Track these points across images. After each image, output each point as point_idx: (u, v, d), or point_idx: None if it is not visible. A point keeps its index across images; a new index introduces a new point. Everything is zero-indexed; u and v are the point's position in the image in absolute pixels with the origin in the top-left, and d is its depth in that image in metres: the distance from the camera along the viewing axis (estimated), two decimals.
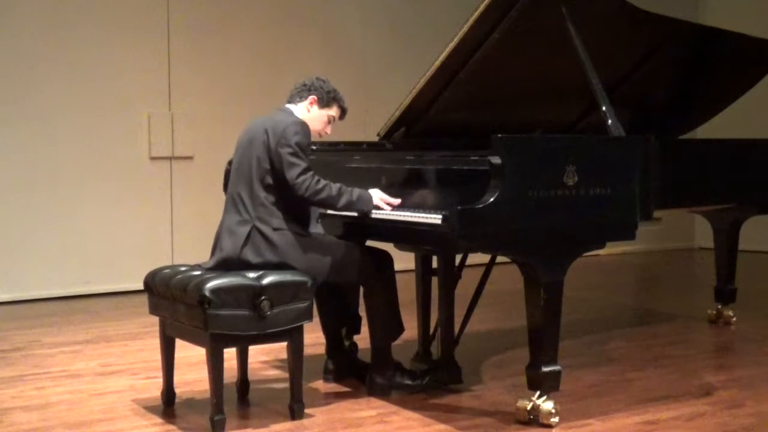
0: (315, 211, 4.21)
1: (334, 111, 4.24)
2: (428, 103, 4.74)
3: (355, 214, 4.10)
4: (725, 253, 5.77)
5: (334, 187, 3.98)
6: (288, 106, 4.21)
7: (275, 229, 3.95)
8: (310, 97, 4.18)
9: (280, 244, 3.94)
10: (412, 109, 4.74)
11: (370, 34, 8.40)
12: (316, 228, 4.19)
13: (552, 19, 4.27)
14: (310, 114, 4.18)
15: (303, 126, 4.03)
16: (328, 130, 4.27)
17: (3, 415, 4.04)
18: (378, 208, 4.06)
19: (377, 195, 4.08)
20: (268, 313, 3.77)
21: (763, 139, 5.20)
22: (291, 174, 3.92)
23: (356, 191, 4.03)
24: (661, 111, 5.55)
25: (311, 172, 3.96)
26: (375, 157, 4.52)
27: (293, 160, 3.93)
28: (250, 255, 3.94)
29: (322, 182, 3.96)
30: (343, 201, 3.99)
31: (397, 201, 4.08)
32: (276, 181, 3.97)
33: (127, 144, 7.32)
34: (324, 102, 4.20)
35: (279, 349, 4.54)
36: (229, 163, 4.27)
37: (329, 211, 4.21)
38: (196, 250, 6.00)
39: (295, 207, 4.01)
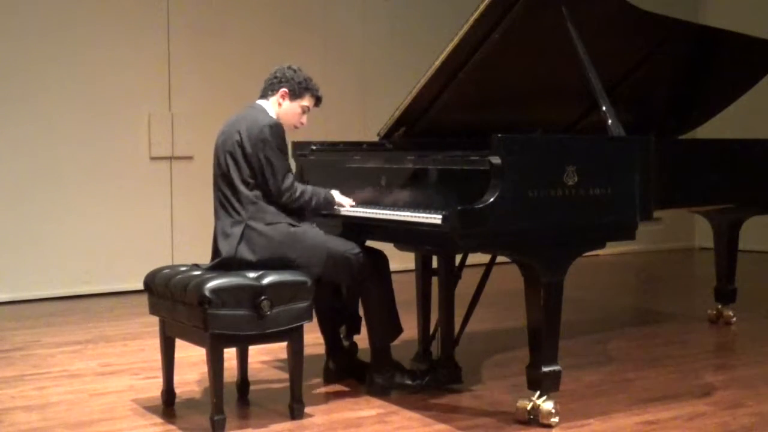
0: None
1: (307, 101, 4.19)
2: (428, 103, 4.74)
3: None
4: (725, 253, 5.77)
5: (308, 191, 4.08)
6: (260, 102, 4.19)
7: (268, 224, 3.98)
8: (281, 90, 4.14)
9: (274, 237, 3.96)
10: (412, 109, 4.74)
11: (370, 34, 8.40)
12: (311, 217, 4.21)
13: (552, 19, 4.26)
14: (282, 108, 4.15)
15: (276, 127, 4.02)
16: (304, 120, 4.23)
17: (3, 415, 4.04)
18: (340, 206, 4.19)
19: (336, 195, 4.20)
20: (268, 312, 3.77)
21: (763, 139, 5.20)
22: (275, 182, 3.97)
23: (321, 192, 4.15)
24: (662, 111, 5.54)
25: (291, 177, 4.03)
26: (375, 157, 4.52)
27: (272, 165, 3.97)
28: (246, 253, 3.95)
29: (300, 188, 4.04)
30: (314, 203, 4.11)
31: (351, 201, 4.21)
32: (258, 180, 4.00)
33: (127, 144, 7.32)
34: (296, 93, 4.15)
35: (279, 349, 4.54)
36: None
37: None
38: (196, 250, 6.00)
39: None
